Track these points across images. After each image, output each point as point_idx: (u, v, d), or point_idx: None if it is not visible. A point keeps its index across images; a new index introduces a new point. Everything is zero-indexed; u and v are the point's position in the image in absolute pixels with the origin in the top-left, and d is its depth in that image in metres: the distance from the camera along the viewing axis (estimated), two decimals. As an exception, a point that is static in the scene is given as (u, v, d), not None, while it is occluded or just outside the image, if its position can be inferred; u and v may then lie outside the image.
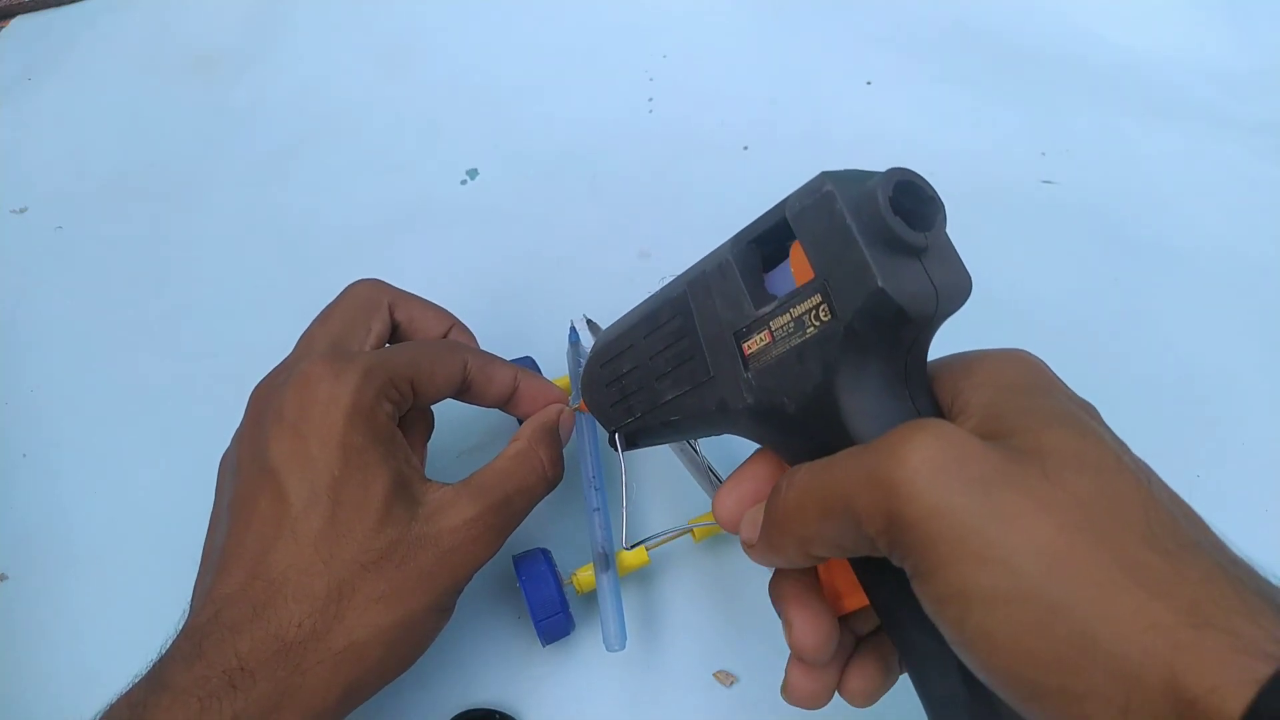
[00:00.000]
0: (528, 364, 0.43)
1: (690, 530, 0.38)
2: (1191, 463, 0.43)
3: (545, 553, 0.36)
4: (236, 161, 0.59)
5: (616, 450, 0.33)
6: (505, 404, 0.37)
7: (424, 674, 0.37)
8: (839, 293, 0.24)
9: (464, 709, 0.36)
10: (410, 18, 0.66)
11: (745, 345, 0.27)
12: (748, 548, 0.27)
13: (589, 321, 0.44)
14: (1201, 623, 0.17)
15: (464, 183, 0.56)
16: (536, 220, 0.54)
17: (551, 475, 0.35)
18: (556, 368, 0.44)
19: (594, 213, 0.54)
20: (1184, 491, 0.41)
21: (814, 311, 0.24)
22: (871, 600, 0.26)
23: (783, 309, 0.25)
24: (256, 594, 0.28)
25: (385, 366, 0.32)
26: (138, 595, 0.39)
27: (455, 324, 0.39)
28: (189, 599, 0.32)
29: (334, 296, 0.50)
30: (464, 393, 0.36)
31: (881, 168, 0.24)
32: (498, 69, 0.63)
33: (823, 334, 0.24)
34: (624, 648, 0.34)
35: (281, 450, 0.30)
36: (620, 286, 0.50)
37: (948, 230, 0.26)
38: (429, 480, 0.32)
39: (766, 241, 0.28)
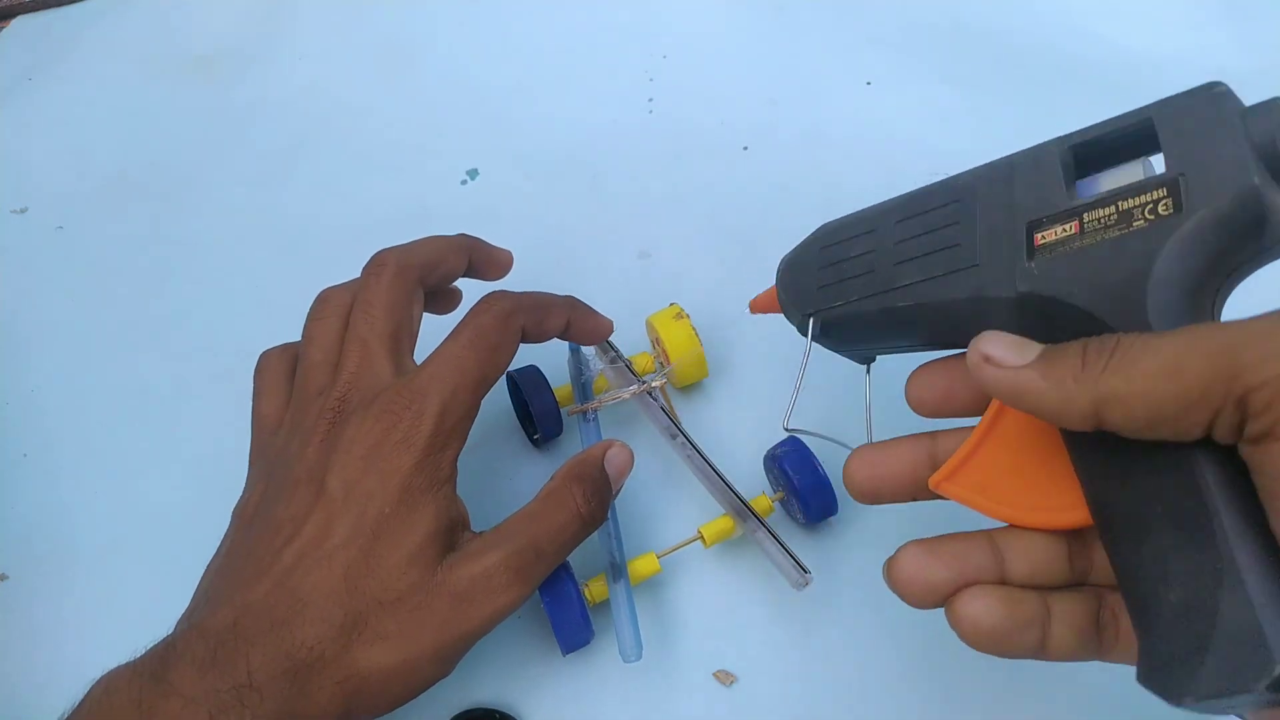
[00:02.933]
0: (531, 372, 0.42)
1: (701, 537, 0.38)
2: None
3: (564, 563, 0.36)
4: (237, 161, 0.59)
5: (805, 336, 0.32)
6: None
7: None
8: (1197, 187, 0.23)
9: (464, 708, 0.36)
10: (411, 18, 0.66)
11: (1038, 235, 0.26)
12: (986, 366, 0.23)
13: None
14: None
15: (464, 183, 0.56)
16: (536, 220, 0.54)
17: (588, 514, 0.33)
18: (559, 371, 0.44)
19: (594, 213, 0.54)
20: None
21: (1151, 206, 0.24)
22: (1124, 504, 0.23)
23: (1108, 201, 0.25)
24: (279, 609, 0.28)
25: (458, 398, 0.32)
26: (138, 595, 0.39)
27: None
28: (192, 594, 0.32)
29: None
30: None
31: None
32: (498, 69, 0.63)
33: (1156, 227, 0.23)
34: (640, 659, 0.34)
35: (344, 479, 0.30)
36: (620, 286, 0.50)
37: None
38: (471, 530, 0.32)
39: (1097, 146, 0.27)
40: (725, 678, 0.36)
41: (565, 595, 0.34)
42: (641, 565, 0.37)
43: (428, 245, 0.37)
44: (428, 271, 0.36)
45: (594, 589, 0.36)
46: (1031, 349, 0.23)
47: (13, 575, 0.41)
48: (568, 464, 0.34)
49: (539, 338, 0.37)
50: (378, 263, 0.36)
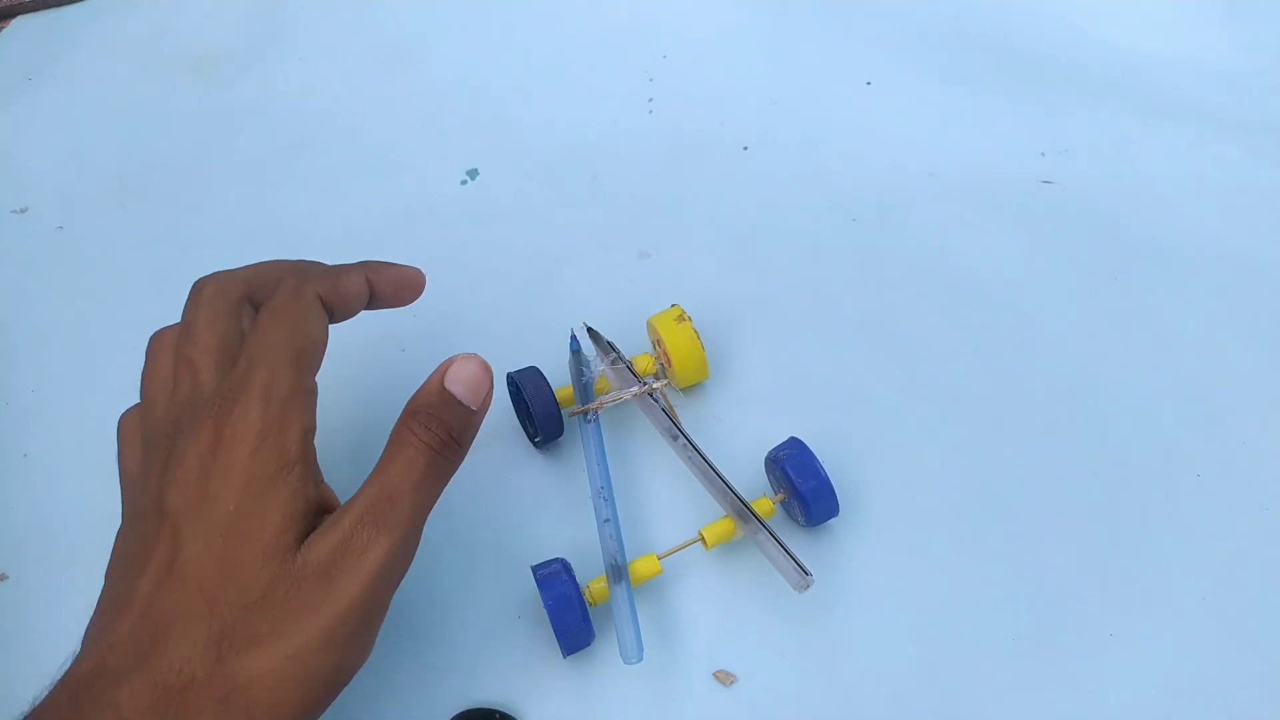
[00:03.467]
0: (532, 373, 0.42)
1: (702, 539, 0.38)
2: (1192, 462, 0.43)
3: (564, 564, 0.36)
4: (238, 161, 0.59)
5: None
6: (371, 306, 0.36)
7: (422, 673, 0.37)
8: None
9: (464, 708, 0.36)
10: (410, 18, 0.66)
11: None
12: None
13: (589, 329, 0.44)
14: None
15: (464, 183, 0.56)
16: (536, 220, 0.54)
17: (433, 441, 0.30)
18: (560, 372, 0.44)
19: (594, 213, 0.54)
20: (1184, 490, 0.42)
21: None
22: None
23: None
24: (144, 641, 0.27)
25: (277, 378, 0.30)
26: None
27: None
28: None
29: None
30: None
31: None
32: (498, 69, 0.63)
33: None
34: (641, 660, 0.34)
35: (183, 493, 0.28)
36: (620, 286, 0.50)
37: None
38: (335, 501, 0.30)
39: None
40: (725, 678, 0.36)
41: (565, 597, 0.34)
42: (642, 566, 0.37)
43: (257, 265, 0.36)
44: (255, 288, 0.34)
45: (595, 590, 0.36)
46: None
47: (12, 575, 0.41)
48: (411, 403, 0.31)
49: (344, 308, 0.35)
50: (196, 287, 0.35)
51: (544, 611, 0.35)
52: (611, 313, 0.47)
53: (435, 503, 0.30)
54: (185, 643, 0.26)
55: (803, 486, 0.37)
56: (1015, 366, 0.46)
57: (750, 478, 0.41)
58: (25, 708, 0.27)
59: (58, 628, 0.39)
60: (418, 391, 0.31)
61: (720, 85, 0.60)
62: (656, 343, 0.43)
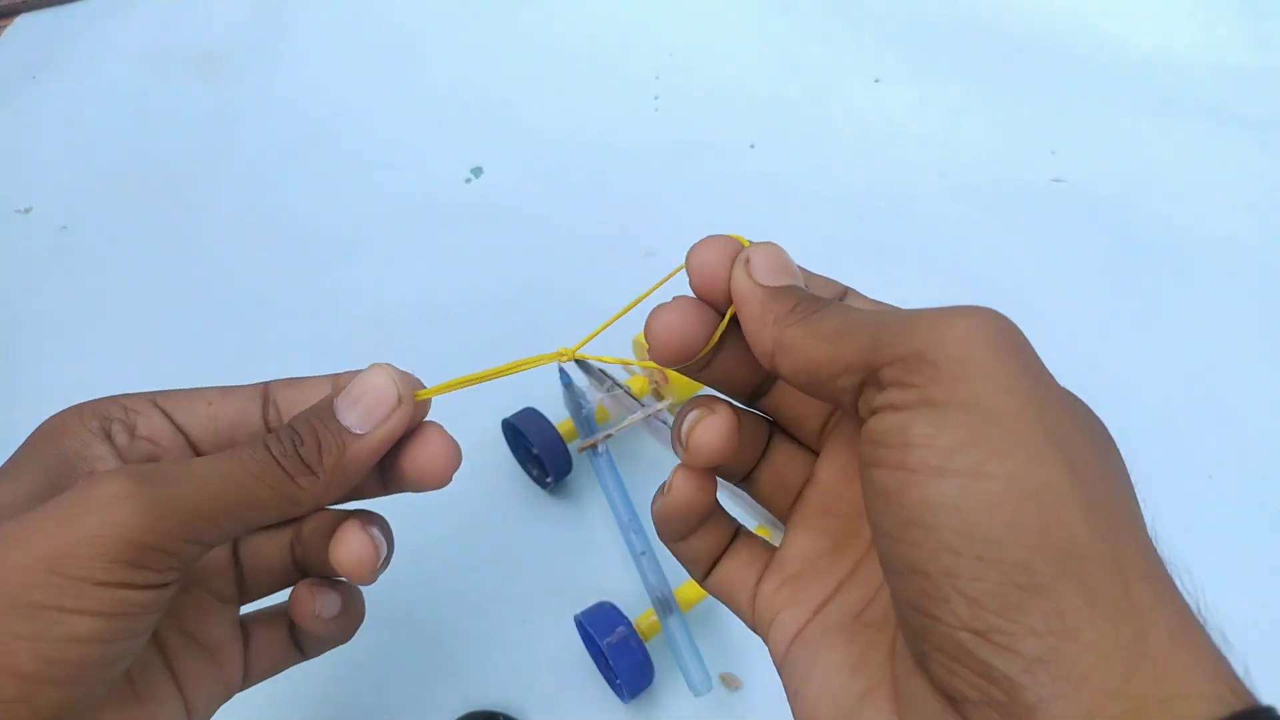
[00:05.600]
0: (530, 416, 0.41)
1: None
2: (1204, 461, 0.42)
3: (613, 607, 0.35)
4: (241, 160, 0.58)
5: None
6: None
7: (427, 674, 0.37)
8: None
9: (468, 710, 0.36)
10: (415, 16, 0.66)
11: None
12: (742, 272, 0.23)
13: (578, 360, 0.43)
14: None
15: (468, 181, 0.56)
16: (541, 218, 0.54)
17: (281, 448, 0.23)
18: (553, 402, 0.43)
19: (599, 211, 0.54)
20: (1196, 489, 0.41)
21: None
22: None
23: None
24: None
25: (119, 395, 0.26)
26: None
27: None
28: None
29: (335, 296, 0.51)
30: (271, 425, 0.26)
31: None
32: (502, 68, 0.62)
33: None
34: (711, 689, 0.34)
35: None
36: (626, 284, 0.50)
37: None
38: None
39: None
40: (731, 681, 0.36)
41: (625, 641, 0.33)
42: (688, 592, 0.36)
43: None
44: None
45: (644, 627, 0.35)
46: (786, 276, 0.23)
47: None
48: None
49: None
50: None
51: (590, 655, 0.34)
52: (616, 311, 0.47)
53: (225, 524, 0.22)
54: None
55: None
56: (1024, 366, 0.46)
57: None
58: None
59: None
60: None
61: (727, 83, 0.60)
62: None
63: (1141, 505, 0.21)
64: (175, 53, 0.65)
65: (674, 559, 0.25)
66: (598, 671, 0.37)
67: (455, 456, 0.25)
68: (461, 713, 0.36)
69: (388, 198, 0.55)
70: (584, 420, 0.41)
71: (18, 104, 0.63)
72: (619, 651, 0.33)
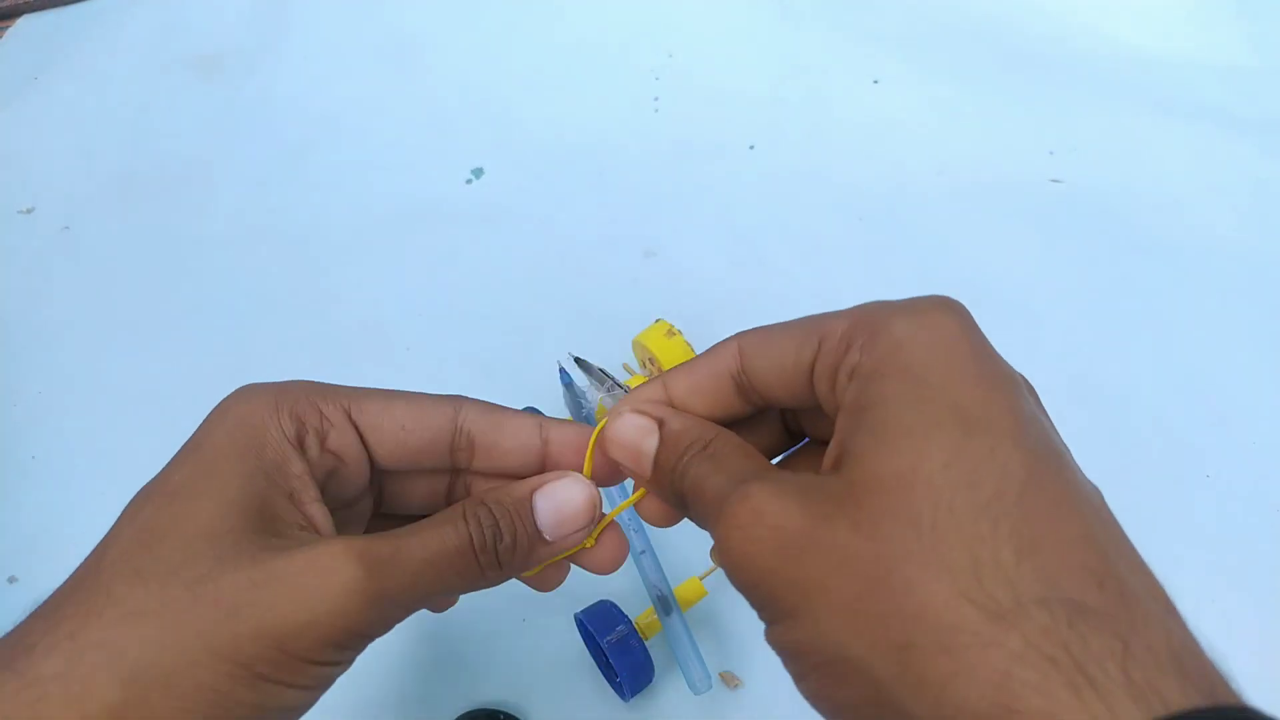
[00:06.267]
0: (604, 609, 0.38)
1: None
2: (1202, 461, 0.42)
3: (614, 606, 0.35)
4: (242, 161, 0.59)
5: None
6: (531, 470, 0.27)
7: (428, 672, 0.37)
8: None
9: (469, 708, 0.36)
10: (415, 16, 0.66)
11: None
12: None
13: (577, 360, 0.43)
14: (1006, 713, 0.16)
15: (469, 182, 0.56)
16: (542, 219, 0.54)
17: (480, 545, 0.24)
18: (555, 388, 0.43)
19: (599, 211, 0.54)
20: (1194, 491, 0.41)
21: None
22: None
23: None
24: (20, 626, 0.22)
25: (316, 385, 0.26)
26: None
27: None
28: None
29: (336, 296, 0.51)
30: (459, 453, 0.26)
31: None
32: (503, 68, 0.62)
33: None
34: (711, 688, 0.34)
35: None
36: (625, 285, 0.50)
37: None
38: (307, 528, 0.24)
39: None
40: (731, 680, 0.36)
41: (625, 640, 0.33)
42: (688, 592, 0.36)
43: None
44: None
45: (644, 626, 0.35)
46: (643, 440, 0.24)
47: (22, 578, 0.42)
48: (485, 490, 0.26)
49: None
50: None
51: (589, 653, 0.34)
52: (616, 312, 0.47)
53: (418, 606, 0.24)
54: (52, 612, 0.22)
55: None
56: (1022, 365, 0.46)
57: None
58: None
59: (65, 629, 0.40)
60: (503, 485, 0.25)
61: (726, 84, 0.60)
62: (649, 360, 0.43)
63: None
64: (177, 54, 0.65)
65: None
66: (598, 670, 0.37)
67: (623, 557, 0.27)
68: (462, 710, 0.36)
69: (388, 198, 0.56)
70: (584, 420, 0.41)
71: (20, 105, 0.63)
72: (619, 650, 0.33)
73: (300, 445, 0.25)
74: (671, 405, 0.24)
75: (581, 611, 0.35)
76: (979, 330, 0.22)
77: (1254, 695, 0.37)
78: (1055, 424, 0.37)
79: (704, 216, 0.53)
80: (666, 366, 0.41)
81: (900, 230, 0.52)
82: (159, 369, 0.48)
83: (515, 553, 0.24)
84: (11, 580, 0.41)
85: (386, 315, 0.50)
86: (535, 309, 0.49)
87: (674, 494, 0.23)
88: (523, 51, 0.63)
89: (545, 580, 0.27)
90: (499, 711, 0.36)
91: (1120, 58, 0.59)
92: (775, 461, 0.25)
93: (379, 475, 0.27)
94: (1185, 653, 0.17)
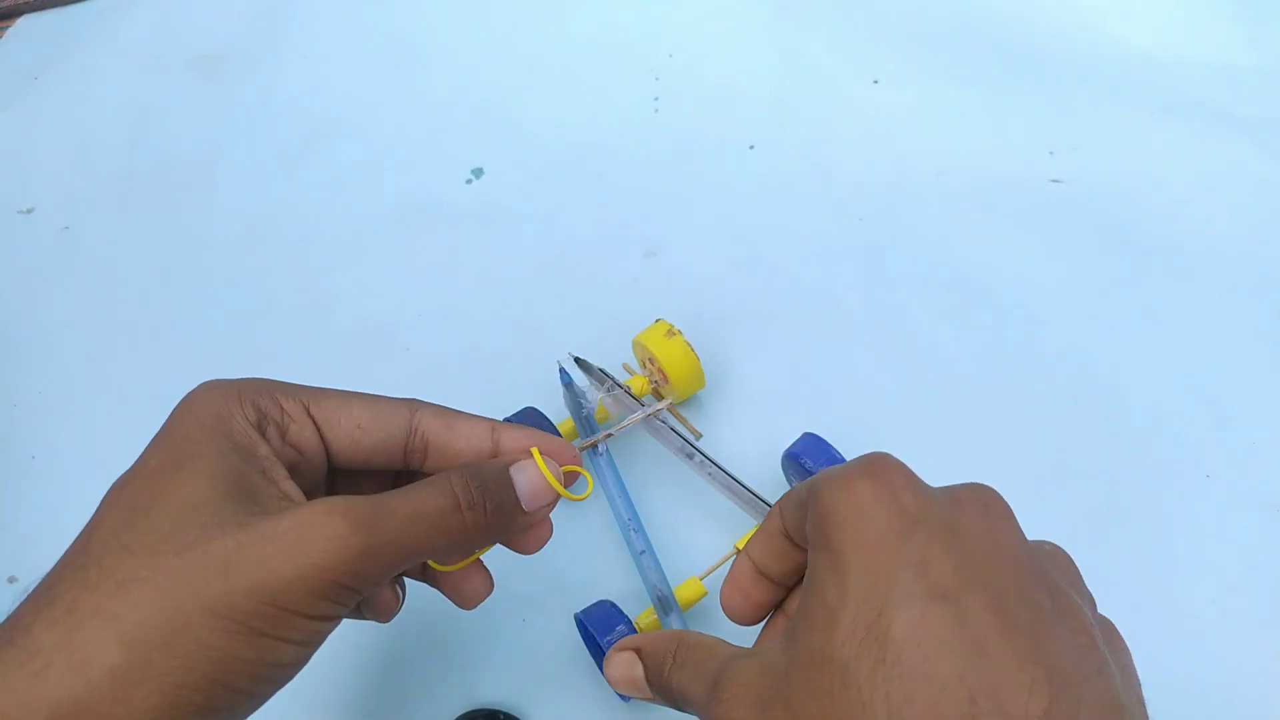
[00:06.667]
0: (531, 415, 0.40)
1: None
2: (1201, 462, 0.43)
3: (614, 606, 0.35)
4: (242, 160, 0.59)
5: None
6: None
7: (428, 672, 0.37)
8: None
9: (469, 708, 0.36)
10: (415, 16, 0.66)
11: None
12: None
13: (577, 359, 0.43)
14: None
15: (469, 182, 0.56)
16: (542, 219, 0.54)
17: (469, 507, 0.25)
18: (555, 388, 0.43)
19: (599, 212, 0.54)
20: (1193, 491, 0.41)
21: None
22: None
23: None
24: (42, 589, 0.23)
25: (276, 382, 0.27)
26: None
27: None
28: None
29: (336, 296, 0.51)
30: (412, 454, 0.28)
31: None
32: (503, 68, 0.62)
33: None
34: None
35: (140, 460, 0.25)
36: (626, 285, 0.50)
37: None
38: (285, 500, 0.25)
39: None
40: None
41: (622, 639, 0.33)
42: (688, 591, 0.36)
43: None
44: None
45: (644, 626, 0.35)
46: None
47: (22, 578, 0.42)
48: (462, 463, 0.27)
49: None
50: None
51: (589, 653, 0.34)
52: (616, 312, 0.47)
53: (410, 562, 0.25)
54: (44, 592, 0.23)
55: None
56: (1023, 366, 0.46)
57: (769, 479, 0.41)
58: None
59: (65, 629, 0.40)
60: (475, 462, 0.27)
61: (726, 84, 0.60)
62: (649, 360, 0.42)
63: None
64: (177, 54, 0.65)
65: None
66: (598, 670, 0.37)
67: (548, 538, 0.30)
68: (462, 710, 0.36)
69: (388, 198, 0.56)
70: (584, 420, 0.41)
71: (20, 105, 0.63)
72: (605, 631, 0.33)
73: (262, 433, 0.25)
74: (755, 569, 0.27)
75: (581, 611, 0.35)
76: (902, 488, 0.21)
77: (1255, 695, 0.38)
78: (1054, 423, 0.37)
79: (704, 216, 0.53)
80: (667, 366, 0.41)
81: (900, 230, 0.52)
82: (159, 369, 0.48)
83: (501, 515, 0.26)
84: (11, 580, 0.41)
85: (386, 315, 0.50)
86: (535, 309, 0.49)
87: (674, 700, 0.25)
88: (523, 51, 0.63)
89: (530, 542, 0.29)
90: (499, 711, 0.36)
91: (1120, 58, 0.59)
92: None
93: (331, 474, 0.28)
94: None
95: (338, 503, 0.23)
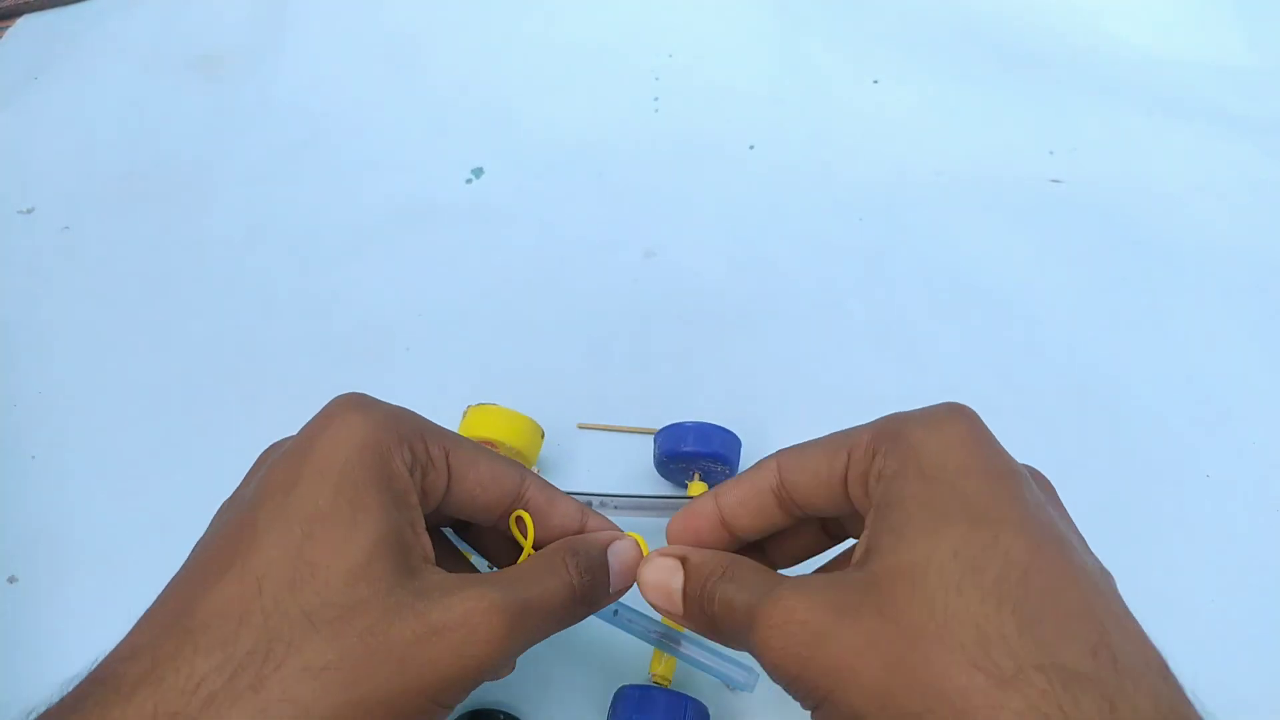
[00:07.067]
0: (723, 438, 0.38)
1: None
2: (1201, 461, 0.43)
3: (637, 690, 0.33)
4: (242, 160, 0.59)
5: None
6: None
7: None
8: None
9: (469, 708, 0.36)
10: (416, 16, 0.66)
11: None
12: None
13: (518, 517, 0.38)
14: None
15: (469, 182, 0.56)
16: (542, 219, 0.54)
17: (580, 587, 0.26)
18: (559, 377, 0.43)
19: (599, 212, 0.54)
20: (1193, 491, 0.41)
21: None
22: None
23: None
24: (165, 645, 0.22)
25: (422, 420, 0.27)
26: (147, 598, 0.39)
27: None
28: None
29: (336, 296, 0.51)
30: (503, 518, 0.29)
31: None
32: (503, 68, 0.62)
33: None
34: (759, 678, 0.31)
35: (270, 480, 0.24)
36: (626, 286, 0.50)
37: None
38: (430, 563, 0.25)
39: None
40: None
41: (651, 699, 0.32)
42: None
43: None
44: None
45: (660, 673, 0.34)
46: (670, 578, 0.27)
47: (22, 578, 0.41)
48: (562, 539, 0.28)
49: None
50: None
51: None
52: (616, 312, 0.47)
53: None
54: (219, 650, 0.21)
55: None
56: (1023, 366, 0.46)
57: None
58: (32, 714, 0.27)
59: (67, 630, 0.40)
60: (580, 536, 0.28)
61: (726, 84, 0.60)
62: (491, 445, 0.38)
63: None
64: (177, 54, 0.65)
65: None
66: (598, 670, 0.37)
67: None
68: (462, 710, 0.36)
69: (388, 198, 0.56)
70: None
71: (20, 105, 0.63)
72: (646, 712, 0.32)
73: (413, 479, 0.26)
74: (721, 517, 0.27)
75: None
76: (987, 431, 0.25)
77: (1254, 696, 0.38)
78: (1054, 424, 0.37)
79: (704, 216, 0.53)
80: (506, 437, 0.37)
81: (900, 230, 0.52)
82: (159, 369, 0.48)
83: (598, 601, 0.28)
84: (11, 580, 0.41)
85: (386, 315, 0.50)
86: (535, 309, 0.49)
87: (704, 618, 0.26)
88: (523, 51, 0.63)
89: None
90: (499, 711, 0.36)
91: (1120, 58, 0.59)
92: (820, 563, 0.30)
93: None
94: (1172, 714, 0.20)
95: (495, 599, 0.24)
